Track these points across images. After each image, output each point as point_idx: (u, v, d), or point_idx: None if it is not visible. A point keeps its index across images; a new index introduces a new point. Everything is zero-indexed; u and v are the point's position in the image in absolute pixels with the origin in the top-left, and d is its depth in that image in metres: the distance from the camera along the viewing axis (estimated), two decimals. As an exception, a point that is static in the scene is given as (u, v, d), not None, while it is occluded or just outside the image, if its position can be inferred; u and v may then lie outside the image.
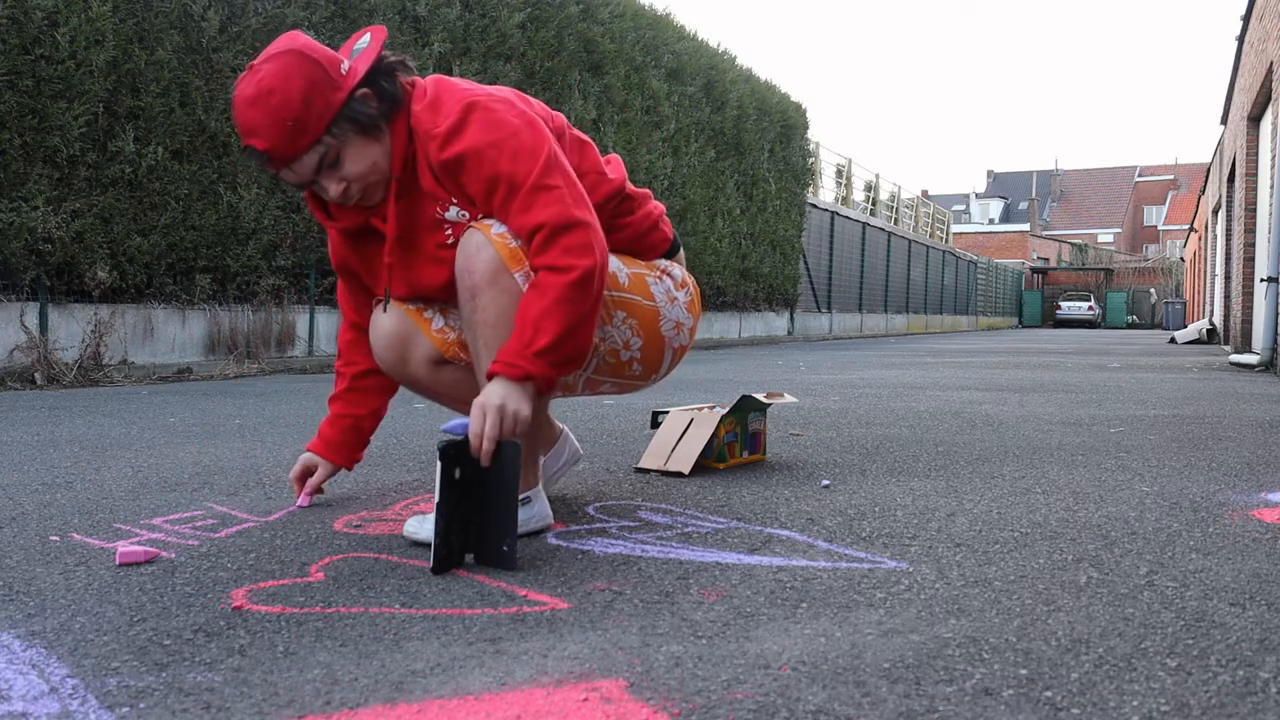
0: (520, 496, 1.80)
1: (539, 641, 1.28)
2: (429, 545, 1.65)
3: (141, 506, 2.12)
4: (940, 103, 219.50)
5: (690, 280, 2.13)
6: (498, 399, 1.63)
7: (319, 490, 2.15)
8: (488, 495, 1.62)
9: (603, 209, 1.91)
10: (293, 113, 1.68)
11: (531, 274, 1.74)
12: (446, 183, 1.80)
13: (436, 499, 1.58)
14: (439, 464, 1.57)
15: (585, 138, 2.02)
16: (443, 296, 1.93)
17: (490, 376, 1.69)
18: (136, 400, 4.62)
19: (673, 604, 1.44)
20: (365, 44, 1.81)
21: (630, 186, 2.05)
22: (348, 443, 2.12)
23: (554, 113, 1.95)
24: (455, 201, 1.82)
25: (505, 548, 1.61)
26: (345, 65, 1.76)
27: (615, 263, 1.96)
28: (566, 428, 2.32)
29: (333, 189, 1.79)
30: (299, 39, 1.74)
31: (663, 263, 2.08)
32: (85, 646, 1.25)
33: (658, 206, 2.12)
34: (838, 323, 19.81)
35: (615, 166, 2.05)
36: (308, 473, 2.13)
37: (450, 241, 1.84)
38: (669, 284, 2.05)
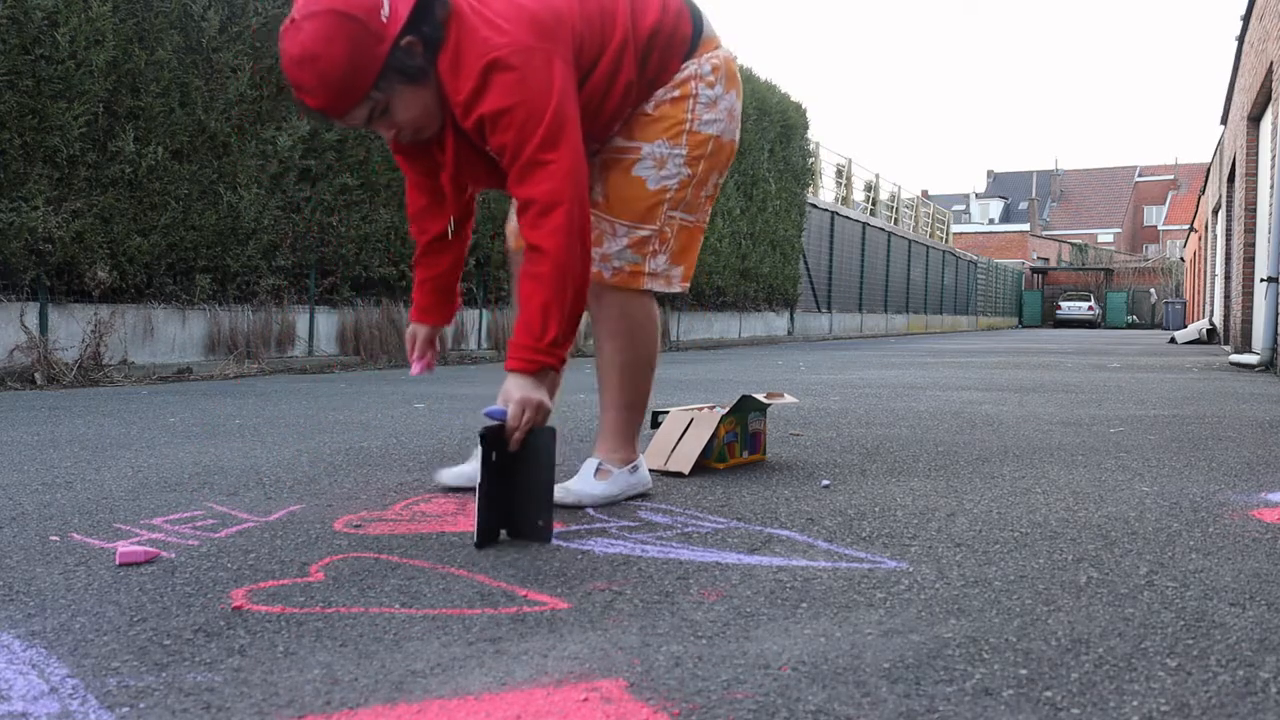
0: (630, 466, 2.16)
1: (539, 641, 1.28)
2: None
3: (141, 506, 2.12)
4: (940, 103, 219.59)
5: (721, 60, 2.13)
6: (528, 394, 1.82)
7: (431, 350, 2.29)
8: (524, 476, 1.80)
9: (625, 62, 1.99)
10: (338, 74, 1.74)
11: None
12: (475, 133, 1.91)
13: (479, 480, 1.74)
14: (482, 449, 1.75)
15: None
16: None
17: (509, 370, 1.86)
18: (136, 400, 4.62)
19: (673, 604, 1.44)
20: None
21: (650, 19, 2.02)
22: (438, 302, 2.28)
23: None
24: (487, 141, 1.91)
25: (540, 522, 1.79)
26: (385, 9, 1.76)
27: (661, 152, 2.06)
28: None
29: (386, 134, 1.90)
30: None
31: (689, 69, 2.08)
32: (85, 646, 1.25)
33: (671, 3, 2.07)
34: (838, 323, 19.81)
35: (652, 5, 2.03)
36: (413, 342, 2.28)
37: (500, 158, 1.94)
38: (701, 101, 2.09)
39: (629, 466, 2.20)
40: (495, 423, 1.79)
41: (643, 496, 2.23)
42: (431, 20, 1.81)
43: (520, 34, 1.82)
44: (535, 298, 1.83)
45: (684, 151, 2.09)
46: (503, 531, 1.83)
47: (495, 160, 1.98)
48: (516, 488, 1.80)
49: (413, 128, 1.89)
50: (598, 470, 2.16)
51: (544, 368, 1.86)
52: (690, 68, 2.09)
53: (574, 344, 1.98)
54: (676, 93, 2.08)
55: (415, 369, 2.29)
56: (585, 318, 2.01)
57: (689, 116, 2.08)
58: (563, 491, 2.08)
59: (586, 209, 1.87)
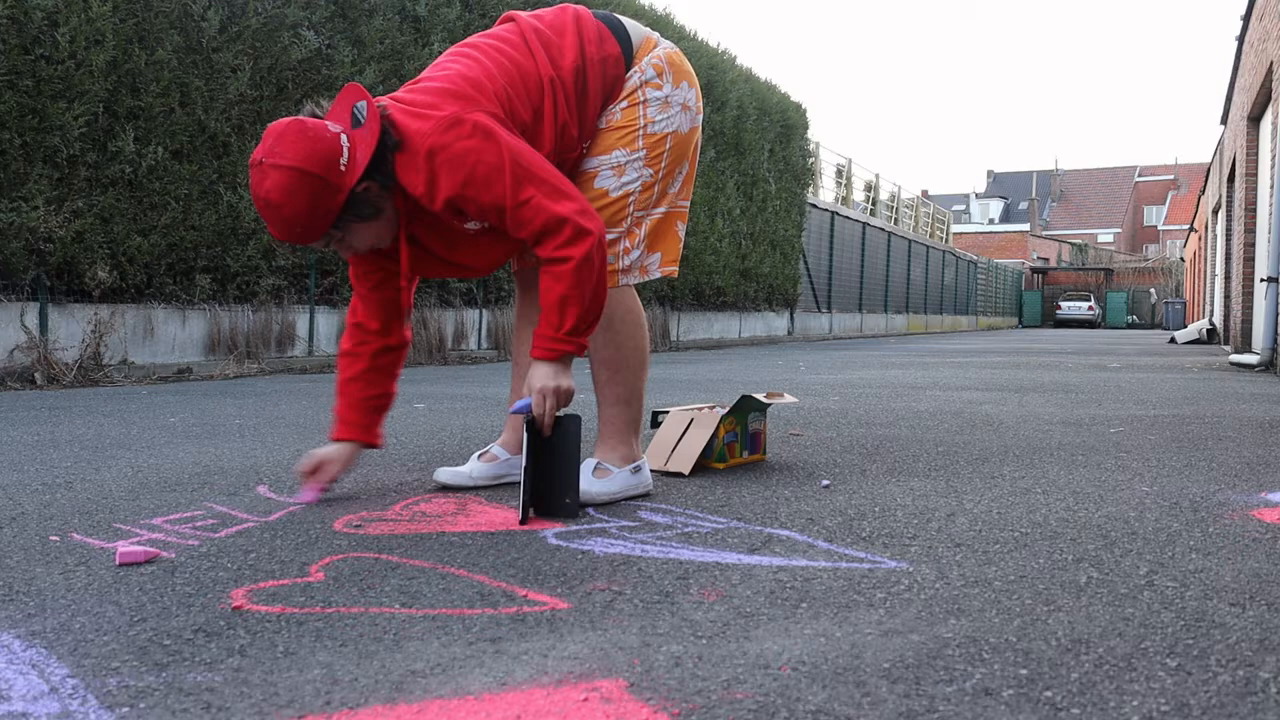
0: (632, 465, 2.21)
1: (539, 641, 1.28)
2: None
3: (141, 506, 2.12)
4: (940, 103, 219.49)
5: (663, 59, 2.21)
6: (545, 381, 1.98)
7: (332, 482, 2.22)
8: (553, 459, 2.00)
9: (570, 91, 2.11)
10: (300, 222, 1.91)
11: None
12: (451, 214, 2.02)
13: (524, 464, 1.96)
14: (525, 435, 1.98)
15: (530, 31, 2.13)
16: (489, 272, 2.24)
17: (533, 359, 2.01)
18: (136, 400, 4.62)
19: (673, 604, 1.44)
20: (363, 115, 1.94)
21: (570, 58, 2.12)
22: (373, 420, 2.26)
23: (507, 29, 2.14)
24: (470, 216, 2.04)
25: (568, 500, 2.00)
26: (344, 157, 1.90)
27: (618, 161, 2.16)
28: None
29: (344, 254, 2.08)
30: (300, 144, 1.86)
31: (633, 79, 2.17)
32: (85, 646, 1.25)
33: (589, 34, 2.16)
34: (838, 323, 19.81)
35: (565, 46, 2.13)
36: (317, 465, 2.19)
37: (487, 227, 2.09)
38: (651, 104, 2.18)
39: (631, 466, 2.21)
40: (529, 416, 1.98)
41: (643, 497, 2.23)
42: (385, 160, 1.94)
43: (439, 112, 1.95)
44: (554, 292, 1.98)
45: (642, 154, 2.18)
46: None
47: (466, 241, 2.13)
48: (547, 470, 2.00)
49: (366, 249, 2.06)
50: (596, 469, 2.18)
51: (564, 354, 2.00)
52: (634, 77, 2.18)
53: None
54: (625, 103, 2.18)
55: (309, 496, 2.17)
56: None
57: (641, 121, 2.18)
58: None
59: (587, 216, 1.98)
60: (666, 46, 2.26)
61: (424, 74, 2.11)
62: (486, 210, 1.97)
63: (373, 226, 2.01)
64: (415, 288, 2.27)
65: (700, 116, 2.29)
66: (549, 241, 1.96)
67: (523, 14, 2.19)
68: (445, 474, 2.37)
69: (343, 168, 1.90)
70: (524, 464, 1.97)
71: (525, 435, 1.98)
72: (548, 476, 2.01)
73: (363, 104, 1.95)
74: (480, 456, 2.40)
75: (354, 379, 2.24)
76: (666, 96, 2.20)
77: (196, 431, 3.41)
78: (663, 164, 2.20)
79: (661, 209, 2.24)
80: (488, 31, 2.18)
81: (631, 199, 2.18)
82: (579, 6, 2.23)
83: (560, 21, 2.17)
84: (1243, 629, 1.34)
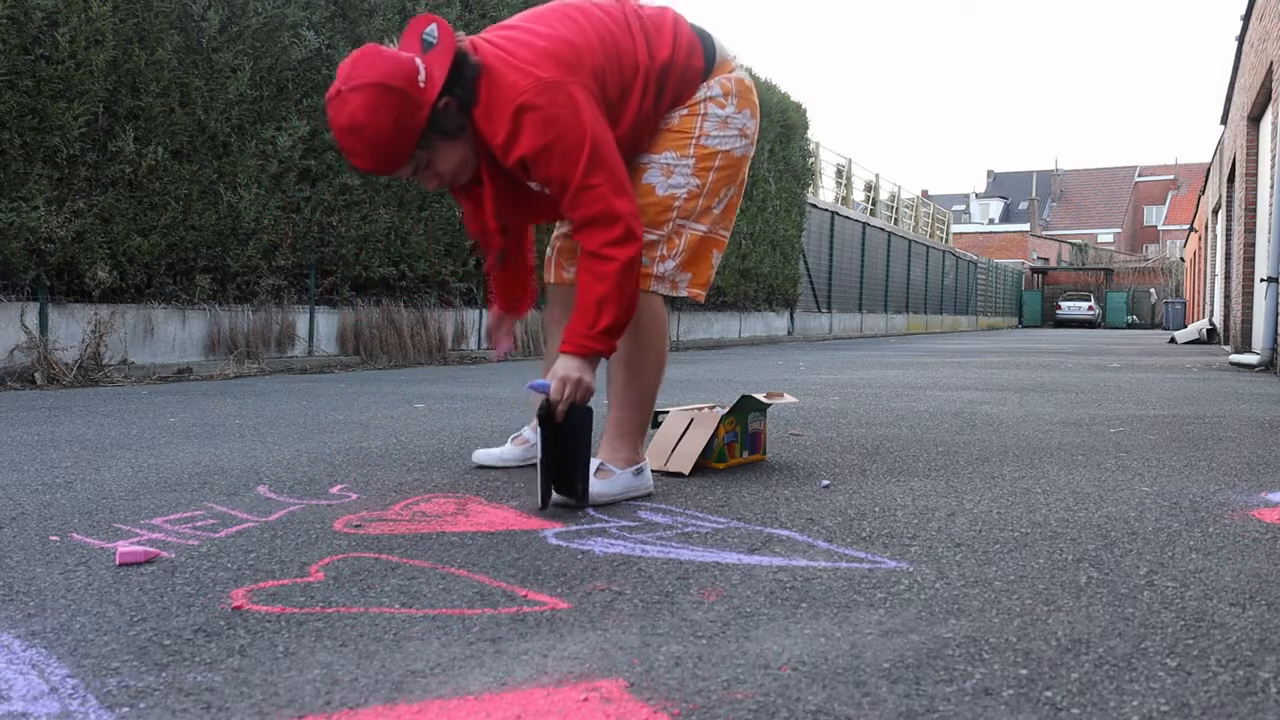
0: (634, 468, 2.22)
1: (539, 641, 1.28)
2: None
3: (141, 506, 2.12)
4: (940, 103, 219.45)
5: (733, 83, 2.26)
6: (570, 372, 2.01)
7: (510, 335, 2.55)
8: (567, 448, 2.04)
9: (646, 91, 2.14)
10: (385, 141, 1.93)
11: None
12: (519, 171, 2.06)
13: (540, 451, 2.03)
14: (540, 427, 2.02)
15: (634, 14, 2.17)
16: (549, 220, 2.38)
17: (562, 352, 2.04)
18: (136, 400, 4.62)
19: (673, 604, 1.44)
20: (434, 38, 1.98)
21: (664, 53, 2.16)
22: (517, 299, 2.52)
23: (614, 13, 2.15)
24: (532, 177, 2.09)
25: (580, 486, 2.07)
26: (421, 75, 1.94)
27: (667, 161, 2.20)
28: None
29: (430, 184, 2.11)
30: (378, 64, 1.91)
31: (701, 93, 2.22)
32: (85, 646, 1.25)
33: (683, 40, 2.20)
34: (838, 323, 19.81)
35: (662, 40, 2.16)
36: (497, 327, 2.53)
37: (545, 191, 2.14)
38: (710, 119, 2.23)
39: (633, 468, 2.22)
40: (544, 395, 2.03)
41: (644, 497, 2.23)
42: (464, 80, 1.97)
43: (542, 73, 1.97)
44: (593, 291, 2.00)
45: (691, 162, 2.21)
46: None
47: (534, 194, 2.19)
48: (562, 458, 2.06)
49: (452, 176, 2.10)
50: (598, 470, 2.18)
51: (593, 353, 2.03)
52: (702, 91, 2.23)
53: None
54: (686, 110, 2.22)
55: (499, 351, 2.57)
56: None
57: (697, 131, 2.21)
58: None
59: (639, 220, 2.05)
60: (740, 73, 2.31)
61: (520, 22, 2.11)
62: (552, 179, 2.01)
63: (457, 148, 2.04)
64: (526, 244, 2.47)
65: (754, 149, 2.34)
66: (599, 233, 1.99)
67: None
68: (481, 455, 2.64)
69: (421, 84, 1.93)
70: (540, 455, 2.04)
71: (540, 428, 2.02)
72: (562, 464, 2.06)
73: (433, 27, 1.98)
74: (513, 440, 2.64)
75: (490, 269, 2.46)
76: (727, 117, 2.24)
77: (196, 431, 3.41)
78: (710, 178, 2.23)
79: (703, 227, 2.25)
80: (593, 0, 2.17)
81: (676, 204, 2.21)
82: (678, 12, 2.26)
83: (661, 18, 2.21)
84: (1243, 629, 1.34)
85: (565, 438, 2.04)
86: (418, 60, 1.94)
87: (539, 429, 2.03)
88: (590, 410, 2.05)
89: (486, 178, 2.10)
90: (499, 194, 2.15)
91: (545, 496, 2.07)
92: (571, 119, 1.96)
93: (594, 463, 2.19)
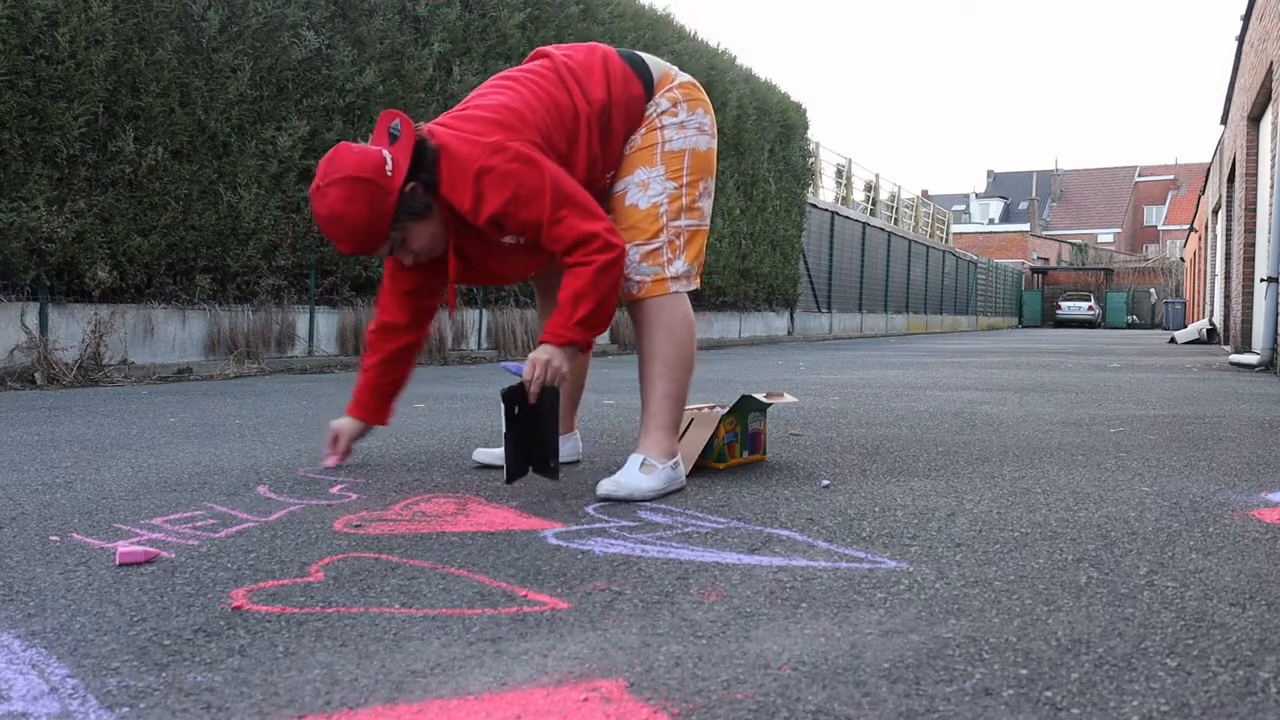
0: (672, 461, 2.29)
1: (539, 641, 1.28)
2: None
3: (141, 506, 2.12)
4: (940, 103, 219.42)
5: (677, 91, 2.39)
6: (545, 356, 2.15)
7: (349, 451, 2.62)
8: (538, 427, 2.17)
9: (590, 133, 2.28)
10: (361, 226, 2.14)
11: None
12: (493, 229, 2.24)
13: (504, 429, 2.14)
14: (501, 404, 2.14)
15: (564, 68, 2.31)
16: (516, 281, 2.52)
17: (540, 343, 2.19)
18: (136, 400, 4.62)
19: (673, 604, 1.44)
20: (398, 130, 2.19)
21: (599, 94, 2.30)
22: (382, 405, 2.60)
23: (540, 66, 2.33)
24: (509, 230, 2.24)
25: (551, 464, 2.19)
26: (388, 165, 2.14)
27: (641, 178, 2.33)
28: (578, 431, 2.77)
29: (407, 260, 2.29)
30: (349, 158, 2.12)
31: (650, 113, 2.36)
32: (85, 646, 1.25)
33: (616, 75, 2.33)
34: (838, 323, 19.81)
35: (594, 84, 2.31)
36: (337, 437, 2.59)
37: (521, 242, 2.29)
38: (668, 129, 2.35)
39: (671, 461, 2.29)
40: (515, 379, 2.17)
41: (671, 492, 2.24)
42: (425, 164, 2.17)
43: (488, 138, 2.16)
44: (571, 288, 2.17)
45: (662, 169, 2.35)
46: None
47: (506, 252, 2.33)
48: (531, 437, 2.17)
49: (425, 252, 2.27)
50: (643, 465, 2.25)
51: (568, 342, 2.18)
52: (651, 109, 2.37)
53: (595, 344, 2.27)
54: (644, 130, 2.36)
55: (331, 462, 2.59)
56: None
57: (659, 140, 2.35)
58: (613, 485, 2.20)
59: (615, 233, 2.22)
60: (682, 79, 2.43)
61: (468, 101, 2.31)
62: (527, 225, 2.18)
63: (427, 226, 2.23)
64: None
65: (716, 140, 2.47)
66: (578, 251, 2.17)
67: (555, 51, 2.38)
68: (481, 454, 2.68)
69: (388, 172, 2.13)
70: (504, 431, 2.14)
71: (503, 406, 2.13)
72: (533, 442, 2.18)
73: (396, 121, 2.19)
74: None
75: (373, 365, 2.55)
76: (683, 121, 2.37)
77: (196, 431, 3.41)
78: (684, 176, 2.35)
79: (694, 221, 2.38)
80: (523, 65, 2.38)
81: (662, 210, 2.33)
82: (606, 48, 2.41)
83: (589, 61, 2.35)
84: (1243, 629, 1.34)
85: (536, 416, 2.15)
86: (384, 152, 2.15)
87: (502, 405, 2.13)
88: (556, 391, 2.18)
89: (451, 249, 2.29)
90: (472, 254, 2.34)
91: (511, 475, 2.17)
92: (524, 169, 2.14)
93: (637, 458, 2.26)
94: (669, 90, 2.38)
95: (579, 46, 2.40)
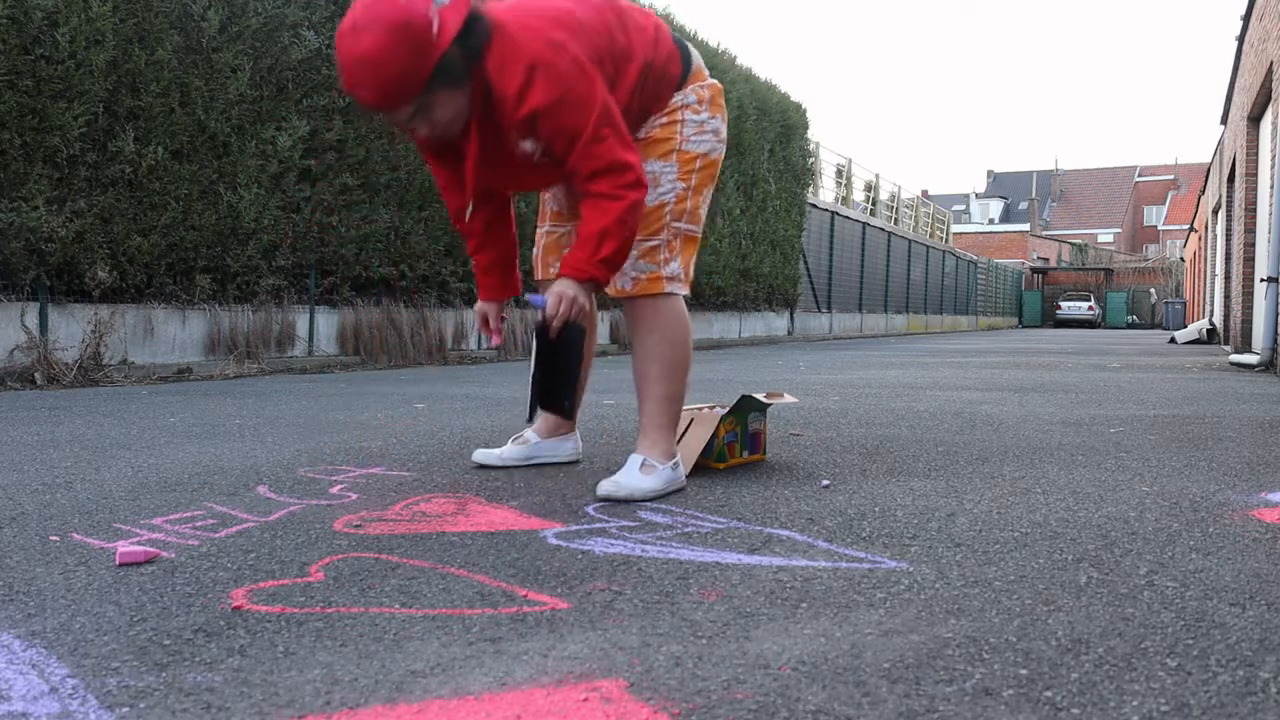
0: (672, 461, 2.28)
1: (539, 641, 1.28)
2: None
3: (141, 506, 2.12)
4: (940, 103, 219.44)
5: (706, 90, 2.37)
6: (571, 291, 2.10)
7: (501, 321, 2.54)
8: (558, 364, 2.15)
9: (636, 83, 2.22)
10: (394, 81, 1.96)
11: None
12: (522, 129, 2.11)
13: (531, 365, 2.14)
14: (533, 339, 2.13)
15: (625, 11, 2.26)
16: (533, 189, 2.45)
17: (561, 276, 2.13)
18: (136, 400, 4.62)
19: (673, 604, 1.44)
20: None
21: (645, 55, 2.24)
22: (502, 281, 2.52)
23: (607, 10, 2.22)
24: (529, 138, 2.13)
25: (566, 403, 2.21)
26: (435, 24, 1.96)
27: (653, 170, 2.29)
28: (578, 431, 2.76)
29: (422, 131, 2.10)
30: (395, 5, 1.91)
31: (677, 100, 2.32)
32: (85, 646, 1.25)
33: (664, 45, 2.30)
34: (838, 323, 19.81)
35: (645, 41, 2.25)
36: (485, 318, 2.52)
37: (537, 156, 2.17)
38: (689, 125, 2.32)
39: (670, 462, 2.28)
40: (541, 309, 2.11)
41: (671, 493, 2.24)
42: (475, 35, 2.03)
43: (552, 34, 2.06)
44: (597, 223, 2.08)
45: (675, 168, 2.31)
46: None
47: (516, 161, 2.19)
48: (555, 373, 2.16)
49: (446, 126, 2.10)
50: (643, 465, 2.24)
51: (590, 278, 2.11)
52: (678, 99, 2.33)
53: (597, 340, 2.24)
54: (665, 119, 2.31)
55: (496, 340, 2.53)
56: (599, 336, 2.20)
57: (678, 138, 2.32)
58: (613, 485, 2.19)
59: (644, 172, 2.14)
60: (712, 81, 2.42)
61: None
62: (562, 131, 2.06)
63: (456, 98, 2.06)
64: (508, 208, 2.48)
65: (725, 148, 2.45)
66: (610, 179, 2.07)
67: None
68: (481, 455, 2.66)
69: (434, 30, 1.96)
70: (530, 369, 2.14)
71: (534, 341, 2.12)
72: (551, 379, 2.16)
73: None
74: (514, 440, 2.68)
75: (477, 247, 2.48)
76: (702, 121, 2.35)
77: (196, 431, 3.41)
78: (693, 180, 2.34)
79: (693, 227, 2.36)
80: None
81: (667, 209, 2.30)
82: (662, 21, 2.36)
83: (645, 21, 2.29)
84: (1243, 629, 1.34)
85: (557, 353, 2.13)
86: (431, 7, 1.97)
87: (533, 340, 2.12)
88: (583, 329, 2.15)
89: (474, 133, 2.14)
90: (483, 154, 2.19)
91: (533, 410, 2.18)
92: (580, 76, 2.05)
93: (637, 458, 2.25)
94: (700, 86, 2.35)
95: (637, 6, 2.33)
